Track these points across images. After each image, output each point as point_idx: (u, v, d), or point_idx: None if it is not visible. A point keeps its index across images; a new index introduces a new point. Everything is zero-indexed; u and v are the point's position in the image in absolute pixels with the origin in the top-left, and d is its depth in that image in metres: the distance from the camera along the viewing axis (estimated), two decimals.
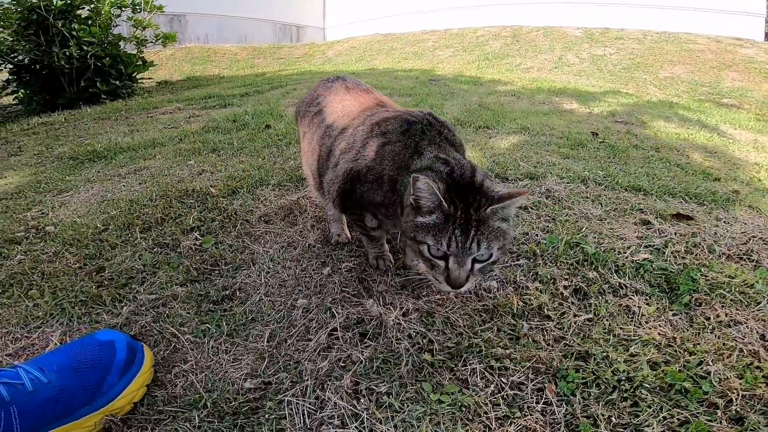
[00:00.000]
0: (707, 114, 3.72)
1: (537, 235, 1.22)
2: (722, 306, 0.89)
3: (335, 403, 0.72)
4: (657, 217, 1.34)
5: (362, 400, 0.72)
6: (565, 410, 0.67)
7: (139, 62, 5.02)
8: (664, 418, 0.65)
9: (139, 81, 5.27)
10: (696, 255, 1.10)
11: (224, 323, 0.91)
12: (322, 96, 1.15)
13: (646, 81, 5.92)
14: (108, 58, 4.57)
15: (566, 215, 1.34)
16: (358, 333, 0.87)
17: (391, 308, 0.92)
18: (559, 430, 0.64)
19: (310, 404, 0.73)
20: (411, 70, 5.96)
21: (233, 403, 0.73)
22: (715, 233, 1.20)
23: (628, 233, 1.24)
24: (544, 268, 1.05)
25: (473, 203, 0.74)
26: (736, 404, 0.66)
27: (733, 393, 0.67)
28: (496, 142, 2.16)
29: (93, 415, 0.71)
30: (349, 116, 1.02)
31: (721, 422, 0.63)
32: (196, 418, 0.71)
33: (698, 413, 0.65)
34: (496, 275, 1.03)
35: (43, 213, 1.47)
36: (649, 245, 1.17)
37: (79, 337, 0.89)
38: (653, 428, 0.63)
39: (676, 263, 1.06)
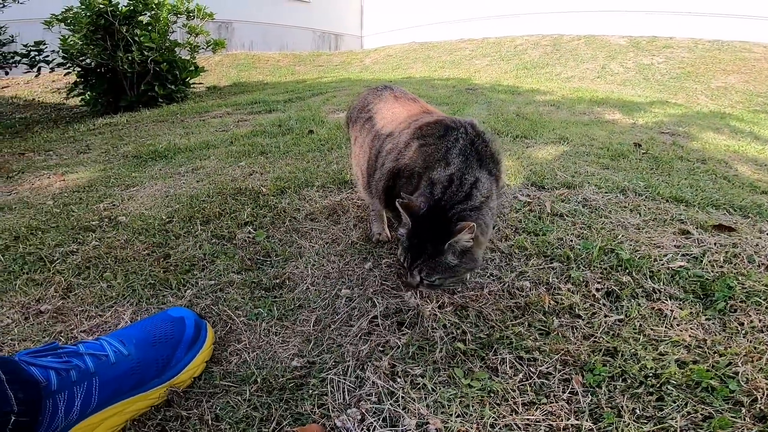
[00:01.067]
0: (761, 125, 3.55)
1: (571, 240, 1.24)
2: (757, 313, 0.90)
3: (373, 382, 0.79)
4: (697, 228, 1.33)
5: (398, 381, 0.79)
6: (590, 400, 0.71)
7: (192, 68, 5.32)
8: (688, 412, 0.67)
9: (192, 86, 5.58)
10: (734, 264, 1.10)
11: (275, 308, 1.00)
12: (372, 103, 1.24)
13: (696, 91, 5.69)
14: (165, 64, 4.86)
15: (602, 223, 1.36)
16: (396, 322, 0.94)
17: (428, 301, 0.99)
18: (583, 417, 0.68)
19: (350, 382, 0.79)
20: (448, 79, 6.01)
21: (281, 379, 0.80)
22: (757, 245, 1.19)
23: (665, 242, 1.24)
24: (577, 271, 1.09)
25: (432, 236, 0.84)
26: (761, 403, 0.68)
27: (759, 392, 0.69)
28: (533, 151, 2.18)
29: (160, 387, 0.76)
30: (396, 122, 1.10)
31: (744, 419, 0.65)
32: (247, 392, 0.78)
33: (722, 410, 0.67)
34: (528, 276, 1.07)
35: (113, 205, 1.64)
36: (687, 254, 1.17)
37: (154, 313, 1.00)
38: (677, 421, 0.66)
39: (713, 271, 1.06)
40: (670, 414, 0.67)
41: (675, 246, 1.22)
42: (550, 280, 1.06)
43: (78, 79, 4.87)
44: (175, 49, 5.09)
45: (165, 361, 0.77)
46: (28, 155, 2.73)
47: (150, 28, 4.77)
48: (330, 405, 0.75)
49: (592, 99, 4.27)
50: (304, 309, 1.00)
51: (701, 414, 0.67)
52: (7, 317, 1.00)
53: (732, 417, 0.66)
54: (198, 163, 2.11)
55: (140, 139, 2.84)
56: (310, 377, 0.81)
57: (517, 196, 1.57)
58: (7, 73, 4.60)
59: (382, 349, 0.87)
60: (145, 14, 4.83)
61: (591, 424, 0.67)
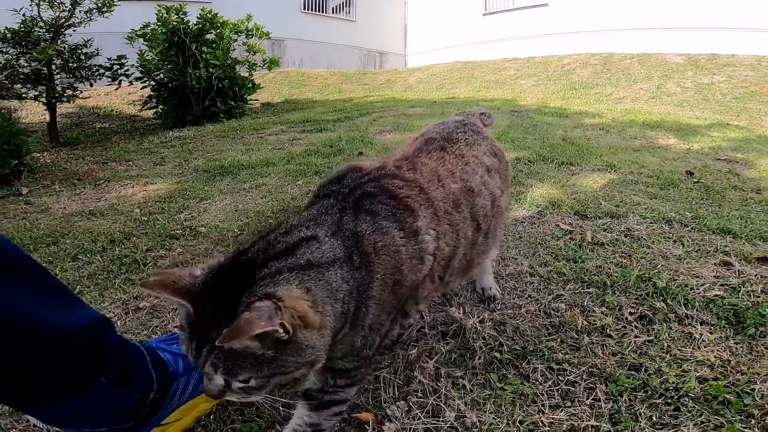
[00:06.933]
0: None
1: (610, 268, 1.32)
2: None
3: (420, 380, 0.92)
4: (740, 260, 1.36)
5: (441, 381, 0.91)
6: (611, 407, 0.81)
7: (250, 84, 5.56)
8: (702, 422, 0.76)
9: (249, 102, 5.81)
10: None
11: None
12: None
13: (761, 112, 5.39)
14: (227, 80, 5.12)
15: (643, 253, 1.41)
16: (441, 332, 1.07)
17: (470, 316, 1.11)
18: (603, 419, 0.78)
19: (400, 380, 0.93)
20: (492, 100, 6.05)
21: None
22: None
23: (705, 272, 1.29)
24: (612, 296, 1.17)
25: (218, 314, 0.57)
26: None
27: None
28: (578, 179, 2.21)
29: None
30: None
31: (753, 429, 0.73)
32: None
33: (734, 420, 0.75)
34: (564, 298, 1.16)
35: (192, 216, 1.88)
36: (725, 284, 1.22)
37: None
38: (689, 429, 0.74)
39: (748, 300, 1.11)
40: (684, 422, 0.76)
41: (714, 276, 1.27)
42: (585, 303, 1.15)
43: (152, 93, 5.25)
44: (235, 66, 5.38)
45: None
46: (111, 165, 3.10)
47: (215, 45, 5.08)
48: (382, 398, 0.89)
49: (645, 122, 4.19)
50: None
51: (713, 423, 0.75)
52: (110, 312, 1.19)
53: (742, 427, 0.73)
54: (260, 180, 2.34)
55: (207, 154, 3.15)
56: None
57: (559, 224, 1.66)
58: (92, 85, 5.01)
59: (428, 354, 1.00)
60: (211, 32, 5.16)
61: (609, 427, 0.76)
